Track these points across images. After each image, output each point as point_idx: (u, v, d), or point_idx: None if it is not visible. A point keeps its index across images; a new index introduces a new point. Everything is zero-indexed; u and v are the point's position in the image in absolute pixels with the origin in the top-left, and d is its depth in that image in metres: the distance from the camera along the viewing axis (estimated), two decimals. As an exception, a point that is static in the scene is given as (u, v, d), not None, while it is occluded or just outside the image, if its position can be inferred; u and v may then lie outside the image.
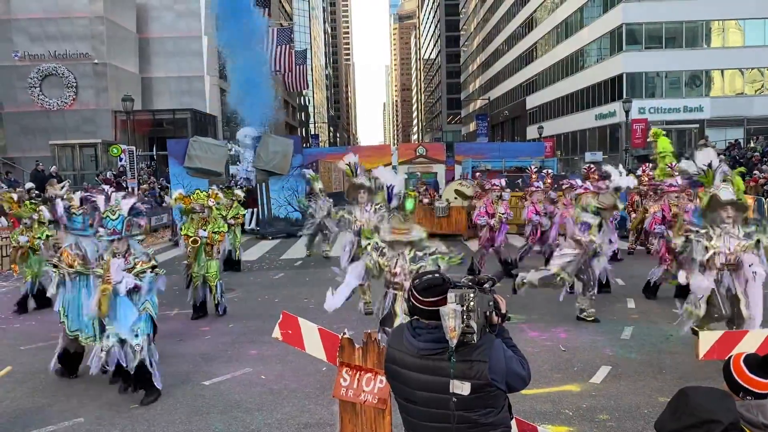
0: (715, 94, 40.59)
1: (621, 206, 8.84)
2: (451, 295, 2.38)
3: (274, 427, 5.16)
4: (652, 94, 41.10)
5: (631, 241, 13.84)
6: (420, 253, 5.44)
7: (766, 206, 15.74)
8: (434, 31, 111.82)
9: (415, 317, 2.60)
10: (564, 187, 11.53)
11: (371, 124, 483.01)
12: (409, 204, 5.41)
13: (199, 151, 19.10)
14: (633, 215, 13.35)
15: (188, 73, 38.48)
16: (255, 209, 19.71)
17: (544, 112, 56.13)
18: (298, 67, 42.37)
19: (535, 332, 7.71)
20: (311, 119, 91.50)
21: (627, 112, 30.46)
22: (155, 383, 5.76)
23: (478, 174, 18.88)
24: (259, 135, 20.16)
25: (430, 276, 2.60)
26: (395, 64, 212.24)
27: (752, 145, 29.18)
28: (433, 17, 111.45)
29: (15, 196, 11.08)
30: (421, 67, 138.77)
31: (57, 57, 33.04)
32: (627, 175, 9.52)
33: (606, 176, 9.20)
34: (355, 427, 3.93)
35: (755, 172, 19.77)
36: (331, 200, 13.52)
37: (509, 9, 66.46)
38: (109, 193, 6.60)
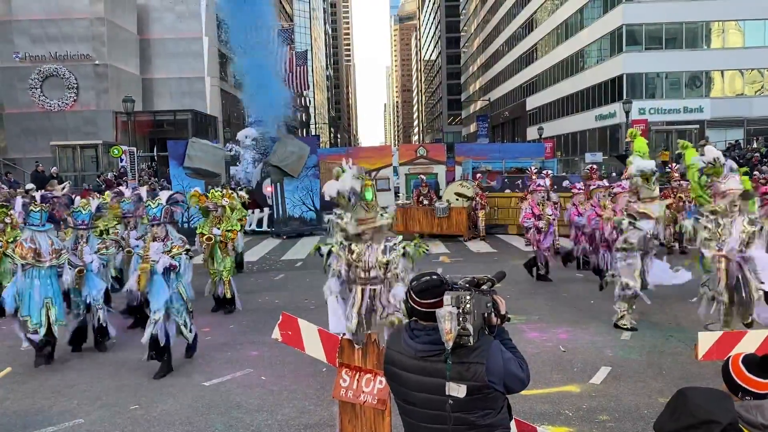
0: (715, 95, 40.61)
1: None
2: (447, 298, 2.38)
3: (274, 428, 5.16)
4: (652, 95, 41.12)
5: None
6: (389, 244, 5.45)
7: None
8: (434, 33, 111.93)
9: (414, 318, 2.60)
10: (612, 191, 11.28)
11: (372, 125, 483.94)
12: (368, 194, 5.37)
13: (199, 151, 19.15)
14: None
15: (189, 74, 38.51)
16: (255, 210, 19.74)
17: (545, 113, 56.16)
18: (298, 68, 42.38)
19: (535, 333, 7.71)
20: (312, 120, 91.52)
21: (627, 113, 30.47)
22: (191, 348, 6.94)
23: (478, 175, 18.88)
24: (256, 137, 20.18)
25: (428, 278, 2.60)
26: (396, 65, 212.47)
27: (754, 145, 29.18)
28: (434, 18, 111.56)
29: None
30: (422, 68, 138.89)
31: (58, 58, 33.07)
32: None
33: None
34: (355, 428, 3.94)
35: (755, 172, 19.76)
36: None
37: (509, 10, 66.51)
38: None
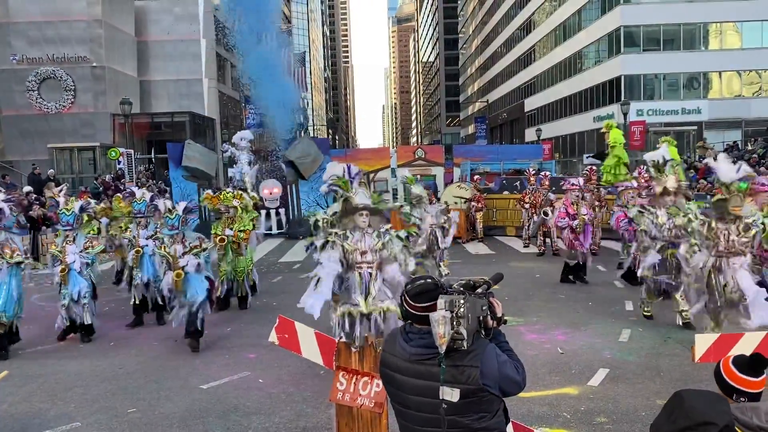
0: (713, 96, 40.65)
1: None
2: (440, 301, 2.38)
3: (271, 431, 5.15)
4: (650, 96, 41.16)
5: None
6: (382, 230, 5.61)
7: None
8: (433, 34, 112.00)
9: (409, 321, 2.60)
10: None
11: (370, 127, 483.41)
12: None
13: (195, 152, 19.23)
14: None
15: (187, 76, 38.44)
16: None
17: (543, 115, 56.19)
18: (296, 70, 42.40)
19: (533, 335, 7.71)
20: (310, 122, 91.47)
21: (625, 115, 30.47)
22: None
23: (476, 177, 18.89)
24: (252, 139, 20.21)
25: (423, 281, 2.60)
26: (394, 67, 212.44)
27: (750, 147, 29.21)
28: (432, 20, 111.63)
29: None
30: (420, 70, 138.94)
31: (55, 60, 32.99)
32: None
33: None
34: (352, 430, 3.94)
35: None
36: (443, 205, 11.17)
37: (507, 12, 66.57)
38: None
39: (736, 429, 2.36)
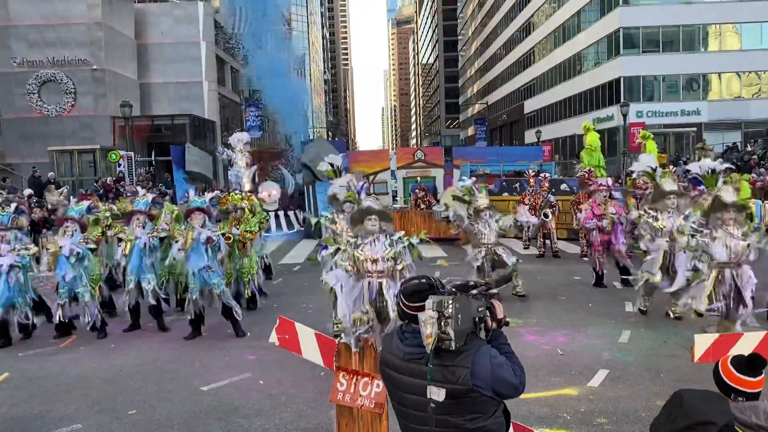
0: (713, 98, 40.65)
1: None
2: (429, 302, 2.40)
3: (272, 432, 5.16)
4: (649, 98, 41.17)
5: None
6: (394, 238, 5.63)
7: (762, 209, 15.75)
8: (432, 36, 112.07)
9: (405, 321, 2.63)
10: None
11: (370, 129, 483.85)
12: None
13: (196, 156, 19.37)
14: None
15: (186, 79, 38.45)
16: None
17: (542, 116, 56.20)
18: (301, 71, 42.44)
19: (533, 336, 7.72)
20: (310, 124, 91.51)
21: (625, 116, 30.47)
22: (237, 317, 8.14)
23: (474, 179, 18.88)
24: (248, 141, 20.35)
25: (418, 281, 2.63)
26: (393, 69, 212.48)
27: (750, 148, 29.22)
28: (431, 22, 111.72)
29: None
30: (420, 72, 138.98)
31: (55, 63, 33.01)
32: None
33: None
34: (352, 431, 3.94)
35: (753, 175, 19.81)
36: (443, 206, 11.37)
37: (507, 13, 66.62)
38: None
39: (736, 428, 2.37)
